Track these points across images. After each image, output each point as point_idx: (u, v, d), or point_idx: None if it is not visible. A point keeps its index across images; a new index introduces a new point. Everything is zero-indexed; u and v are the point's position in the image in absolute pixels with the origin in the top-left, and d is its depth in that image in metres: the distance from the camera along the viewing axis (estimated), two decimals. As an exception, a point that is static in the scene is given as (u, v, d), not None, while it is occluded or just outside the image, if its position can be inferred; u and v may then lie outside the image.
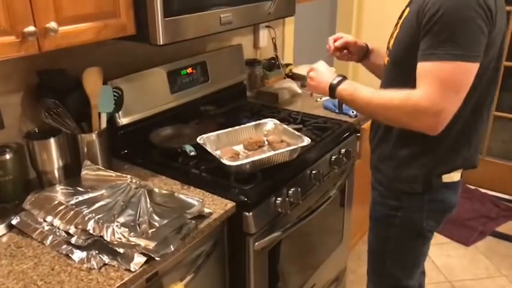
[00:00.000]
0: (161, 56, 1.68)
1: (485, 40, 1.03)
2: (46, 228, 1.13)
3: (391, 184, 1.32)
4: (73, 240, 1.08)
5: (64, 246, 1.07)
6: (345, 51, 1.55)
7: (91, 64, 1.35)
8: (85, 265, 1.02)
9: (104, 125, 1.38)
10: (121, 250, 1.04)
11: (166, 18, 1.22)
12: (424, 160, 1.22)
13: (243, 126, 1.58)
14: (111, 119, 1.45)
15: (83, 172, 1.31)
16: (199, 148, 1.42)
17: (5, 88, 1.29)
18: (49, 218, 1.14)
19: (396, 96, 1.10)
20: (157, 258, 1.02)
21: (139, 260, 1.02)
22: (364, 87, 1.20)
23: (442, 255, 2.43)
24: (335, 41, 1.56)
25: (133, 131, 1.56)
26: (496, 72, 1.18)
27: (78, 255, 1.05)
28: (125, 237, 1.05)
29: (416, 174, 1.24)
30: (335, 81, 1.27)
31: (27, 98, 1.34)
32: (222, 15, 1.40)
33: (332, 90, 1.27)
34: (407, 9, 1.18)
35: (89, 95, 1.32)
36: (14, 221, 1.16)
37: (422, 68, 1.06)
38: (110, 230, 1.07)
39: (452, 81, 1.03)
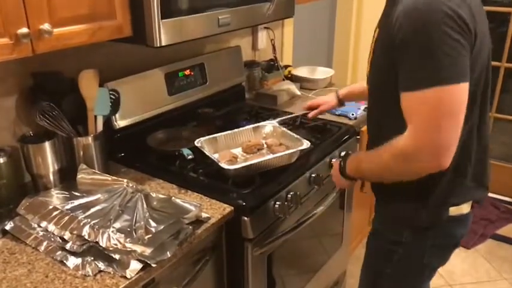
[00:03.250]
0: (158, 57, 1.66)
1: (467, 54, 0.90)
2: (40, 233, 1.11)
3: (392, 216, 1.19)
4: (68, 246, 1.05)
5: (59, 253, 1.05)
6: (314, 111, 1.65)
7: (87, 66, 1.33)
8: (80, 272, 1.00)
9: (100, 128, 1.35)
10: (117, 256, 1.02)
11: (164, 20, 1.20)
12: (430, 191, 1.08)
13: (241, 129, 1.56)
14: (107, 122, 1.43)
15: (79, 176, 1.29)
16: (197, 151, 1.40)
17: (0, 91, 1.27)
18: (44, 224, 1.12)
19: (383, 152, 0.99)
20: (153, 265, 1.00)
21: (135, 266, 1.00)
22: (369, 151, 1.11)
23: (443, 259, 2.41)
24: (309, 108, 1.67)
25: (130, 134, 1.54)
26: (487, 89, 1.06)
27: (72, 261, 1.03)
28: (120, 243, 1.03)
29: (420, 206, 1.10)
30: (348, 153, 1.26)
31: (21, 101, 1.32)
32: (220, 17, 1.38)
33: (343, 161, 1.19)
34: (377, 30, 1.07)
35: (85, 97, 1.30)
36: (8, 226, 1.14)
37: (406, 100, 0.92)
38: (105, 235, 1.05)
39: (442, 107, 0.88)
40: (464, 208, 1.11)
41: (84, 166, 1.31)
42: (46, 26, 1.00)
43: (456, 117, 0.89)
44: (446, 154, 0.91)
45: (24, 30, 0.96)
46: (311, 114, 1.64)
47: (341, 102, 1.62)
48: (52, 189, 1.26)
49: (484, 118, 1.09)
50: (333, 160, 1.54)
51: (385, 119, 1.08)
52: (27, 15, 0.98)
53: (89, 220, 1.09)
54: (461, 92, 0.89)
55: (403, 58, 0.91)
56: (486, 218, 2.72)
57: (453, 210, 1.09)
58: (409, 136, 0.92)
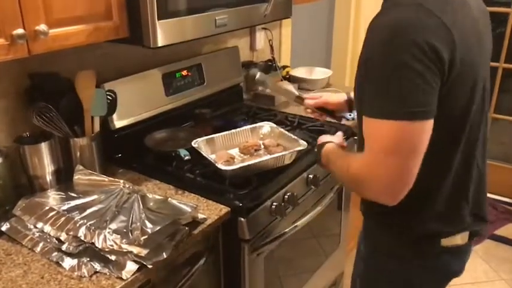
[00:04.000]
0: (156, 58, 1.66)
1: (434, 89, 0.81)
2: (36, 234, 1.11)
3: (376, 243, 1.09)
4: (64, 247, 1.05)
5: (55, 254, 1.05)
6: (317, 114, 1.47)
7: (84, 67, 1.33)
8: (76, 273, 1.00)
9: (97, 128, 1.35)
10: (113, 257, 1.02)
11: (160, 21, 1.20)
12: (417, 220, 1.00)
13: (238, 129, 1.56)
14: (104, 123, 1.43)
15: (75, 177, 1.29)
16: (194, 152, 1.40)
17: (-4, 91, 1.27)
18: (40, 225, 1.12)
19: (345, 166, 0.95)
20: (149, 266, 1.00)
21: (131, 267, 1.00)
22: (341, 152, 1.08)
23: (441, 259, 2.41)
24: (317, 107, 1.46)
25: (127, 134, 1.53)
26: (481, 115, 0.98)
27: (68, 262, 1.03)
28: (116, 244, 1.03)
29: (406, 235, 1.01)
30: (327, 143, 1.16)
31: (18, 102, 1.32)
32: (217, 18, 1.38)
33: (318, 150, 1.17)
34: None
35: (82, 98, 1.30)
36: (4, 227, 1.13)
37: (364, 123, 0.87)
38: (101, 236, 1.04)
39: (389, 143, 0.81)
40: (459, 239, 1.01)
41: (81, 167, 1.31)
42: (42, 27, 1.00)
43: (404, 158, 0.81)
44: (394, 192, 0.84)
45: (19, 31, 0.96)
46: (313, 103, 1.45)
47: (351, 104, 1.44)
48: (48, 190, 1.26)
49: (482, 150, 1.01)
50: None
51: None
52: (23, 15, 0.97)
53: (85, 221, 1.09)
54: (416, 130, 0.80)
55: (366, 82, 0.86)
56: (484, 218, 2.72)
57: (445, 241, 1.00)
58: (361, 160, 0.88)
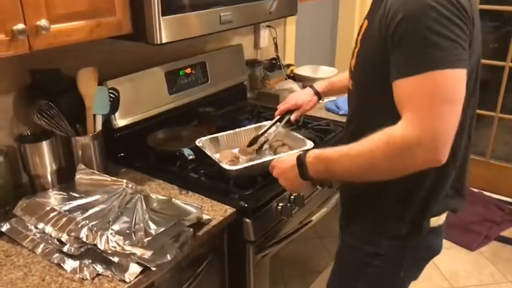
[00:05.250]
0: (159, 56, 1.63)
1: (467, 40, 0.84)
2: (37, 235, 1.08)
3: (370, 228, 1.09)
4: (65, 248, 1.02)
5: (56, 255, 1.02)
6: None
7: (86, 64, 1.31)
8: (77, 275, 0.97)
9: (99, 127, 1.33)
10: (115, 259, 0.99)
11: (164, 17, 1.17)
12: (410, 199, 1.00)
13: (243, 128, 1.54)
14: (107, 121, 1.40)
15: (77, 176, 1.26)
16: (198, 151, 1.37)
17: (-4, 89, 1.24)
18: (41, 225, 1.09)
19: (377, 143, 0.86)
20: (153, 268, 0.97)
21: (134, 270, 0.97)
22: (335, 148, 0.96)
23: (446, 260, 2.38)
24: (285, 111, 1.46)
25: (130, 133, 1.51)
26: (476, 83, 0.99)
27: (70, 264, 1.00)
28: (119, 245, 1.00)
29: (400, 217, 1.02)
30: (301, 153, 1.02)
31: (18, 99, 1.29)
32: (221, 14, 1.35)
33: (301, 162, 1.01)
34: (366, 22, 1.00)
35: (84, 96, 1.27)
36: (4, 228, 1.11)
37: (400, 88, 0.85)
38: (104, 238, 1.02)
39: (440, 92, 0.81)
40: (442, 218, 1.05)
41: (83, 166, 1.28)
42: (43, 22, 0.97)
43: (455, 105, 0.82)
44: (446, 145, 0.82)
45: (20, 26, 0.93)
46: (294, 117, 1.44)
47: (320, 98, 1.47)
48: (50, 190, 1.23)
49: (474, 115, 1.02)
50: (275, 158, 1.23)
51: (374, 116, 0.97)
52: (24, 11, 0.94)
53: (87, 222, 1.06)
54: (459, 78, 0.82)
55: (399, 45, 0.85)
56: (490, 219, 2.69)
57: (433, 221, 1.02)
58: (405, 125, 0.82)
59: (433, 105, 0.81)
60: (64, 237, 1.05)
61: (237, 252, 1.27)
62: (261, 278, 1.33)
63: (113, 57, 1.50)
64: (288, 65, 2.32)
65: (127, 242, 1.01)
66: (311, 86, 1.47)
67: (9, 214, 1.14)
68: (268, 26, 2.16)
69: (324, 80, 1.49)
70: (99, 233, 1.03)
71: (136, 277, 0.96)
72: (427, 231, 1.03)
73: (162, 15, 1.17)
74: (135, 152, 1.48)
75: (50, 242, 1.06)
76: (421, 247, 1.06)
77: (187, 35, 1.28)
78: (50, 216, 1.10)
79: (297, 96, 1.46)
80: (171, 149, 1.44)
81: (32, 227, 1.10)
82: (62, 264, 1.00)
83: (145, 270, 0.98)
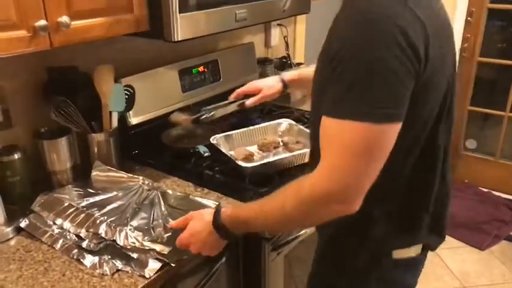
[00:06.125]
0: (173, 54, 1.64)
1: (408, 89, 0.73)
2: (56, 231, 1.08)
3: (331, 256, 0.99)
4: (84, 244, 1.03)
5: (75, 251, 1.03)
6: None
7: (101, 61, 1.31)
8: (97, 270, 0.97)
9: (115, 124, 1.33)
10: (135, 255, 1.00)
11: (181, 14, 1.18)
12: (370, 228, 0.90)
13: (257, 126, 1.54)
14: (121, 119, 1.41)
15: (93, 173, 1.27)
16: (212, 149, 1.38)
17: (14, 86, 1.25)
18: (59, 221, 1.10)
19: (286, 196, 0.81)
20: (172, 264, 0.98)
21: (154, 265, 0.98)
22: (250, 205, 0.89)
23: (457, 260, 2.37)
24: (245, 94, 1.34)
25: (144, 131, 1.51)
26: (447, 120, 0.87)
27: (89, 260, 1.00)
28: (138, 241, 1.01)
29: (358, 245, 0.93)
30: (214, 219, 0.92)
31: (36, 96, 1.29)
32: (237, 12, 1.35)
33: (218, 226, 0.91)
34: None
35: (100, 93, 1.28)
36: (23, 224, 1.11)
37: (323, 126, 0.77)
38: (122, 234, 1.02)
39: (359, 147, 0.72)
40: (413, 251, 0.93)
41: (99, 163, 1.29)
42: (64, 19, 0.97)
43: (375, 162, 0.74)
44: (357, 197, 0.76)
45: (42, 22, 0.94)
46: (250, 102, 1.31)
47: (286, 87, 1.34)
48: (67, 186, 1.24)
49: (444, 159, 0.91)
50: (171, 223, 1.05)
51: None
52: (45, 7, 0.95)
53: (106, 218, 1.07)
54: (385, 133, 0.73)
55: (333, 79, 0.74)
56: (500, 219, 2.68)
57: (398, 253, 0.92)
58: (317, 175, 0.76)
59: (348, 157, 0.73)
60: (83, 233, 1.05)
61: (252, 249, 1.27)
62: (275, 275, 1.33)
63: (127, 55, 1.51)
64: (298, 64, 2.32)
65: (146, 237, 1.02)
66: (279, 73, 1.34)
67: (27, 210, 1.15)
68: (279, 25, 2.16)
69: (295, 69, 1.38)
70: (118, 229, 1.03)
71: (155, 273, 0.96)
72: (391, 264, 0.92)
73: (180, 12, 1.17)
74: (149, 149, 1.49)
75: (68, 237, 1.06)
76: (385, 282, 0.94)
77: (204, 33, 1.28)
78: (68, 212, 1.11)
79: (259, 81, 1.35)
80: (186, 146, 1.45)
81: (51, 223, 1.10)
82: (81, 260, 1.00)
83: (164, 266, 0.98)
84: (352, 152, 0.73)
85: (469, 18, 2.76)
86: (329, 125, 0.75)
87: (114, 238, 1.02)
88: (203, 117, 1.27)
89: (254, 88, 1.32)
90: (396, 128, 0.74)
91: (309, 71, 1.27)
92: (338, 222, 0.81)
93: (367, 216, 0.84)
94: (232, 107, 1.31)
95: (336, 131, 0.74)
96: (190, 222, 0.96)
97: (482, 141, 3.10)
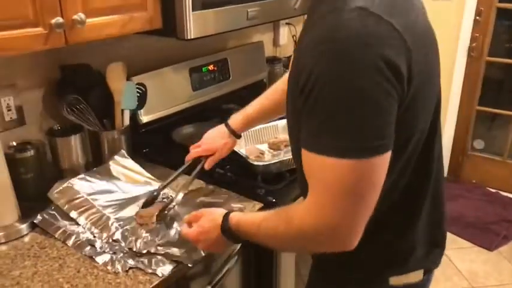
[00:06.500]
0: (183, 52, 1.64)
1: (392, 115, 0.65)
2: (69, 227, 1.08)
3: (326, 281, 0.94)
4: (97, 245, 1.03)
5: (87, 248, 1.03)
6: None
7: (113, 59, 1.31)
8: (109, 268, 0.97)
9: (126, 122, 1.34)
10: (150, 258, 0.99)
11: (195, 12, 1.18)
12: (364, 256, 0.83)
13: (267, 125, 1.53)
14: (132, 117, 1.41)
15: (111, 166, 1.26)
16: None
17: (27, 83, 1.25)
18: (74, 214, 1.09)
19: (279, 223, 0.77)
20: (190, 265, 0.98)
21: (168, 266, 0.97)
22: (253, 219, 0.85)
23: (465, 260, 2.36)
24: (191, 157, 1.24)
25: (154, 129, 1.51)
26: (435, 133, 0.82)
27: (102, 258, 1.00)
28: (153, 245, 1.01)
29: (352, 273, 0.88)
30: (224, 218, 0.90)
31: (48, 94, 1.30)
32: (248, 10, 1.36)
33: (224, 226, 0.89)
34: (292, 55, 0.81)
35: (113, 91, 1.28)
36: (36, 220, 1.11)
37: (305, 160, 0.69)
38: (138, 241, 1.02)
39: (343, 185, 0.65)
40: (412, 277, 0.87)
41: (118, 158, 1.28)
42: (80, 16, 0.98)
43: (363, 198, 0.67)
44: (350, 236, 0.70)
45: (58, 19, 0.94)
46: (207, 165, 1.21)
47: (238, 137, 1.23)
48: (85, 176, 1.21)
49: (438, 175, 0.86)
50: (183, 228, 1.00)
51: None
52: (61, 4, 0.95)
53: (121, 224, 1.07)
54: (375, 167, 0.66)
55: (306, 110, 0.67)
56: (508, 219, 2.66)
57: (395, 280, 0.86)
58: (307, 210, 0.70)
59: (332, 197, 0.66)
60: (97, 233, 1.05)
61: (264, 248, 1.26)
62: (286, 274, 1.33)
63: (138, 53, 1.51)
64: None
65: (160, 241, 1.02)
66: (226, 125, 1.22)
67: (40, 206, 1.14)
68: (288, 24, 2.16)
69: (238, 113, 1.22)
70: (133, 237, 1.03)
71: (169, 271, 0.96)
72: None
73: (193, 10, 1.17)
74: (160, 147, 1.49)
75: (81, 234, 1.06)
76: None
77: (216, 31, 1.28)
78: (84, 208, 1.11)
79: (211, 140, 1.22)
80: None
81: (64, 219, 1.10)
82: (93, 257, 1.00)
83: (178, 264, 0.98)
84: (336, 190, 0.66)
85: (477, 18, 2.74)
86: (309, 160, 0.68)
87: (130, 246, 1.01)
88: (171, 205, 1.14)
89: (209, 149, 1.21)
90: (383, 159, 0.66)
91: (251, 110, 1.21)
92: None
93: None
94: (192, 178, 1.20)
95: (317, 167, 0.67)
96: (201, 219, 0.95)
97: (490, 141, 3.08)
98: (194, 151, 1.22)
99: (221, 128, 1.22)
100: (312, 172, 0.69)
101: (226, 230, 0.88)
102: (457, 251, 2.43)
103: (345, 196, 0.66)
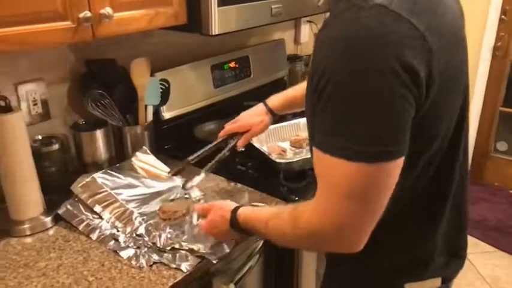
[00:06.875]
0: (204, 49, 1.64)
1: (407, 120, 0.63)
2: (92, 220, 1.09)
3: (335, 281, 0.94)
4: (121, 239, 1.03)
5: (111, 242, 1.03)
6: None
7: (136, 55, 1.31)
8: (133, 262, 0.97)
9: (150, 118, 1.34)
10: (174, 253, 0.99)
11: (220, 8, 1.17)
12: (380, 259, 0.83)
13: (288, 122, 1.53)
14: (155, 113, 1.41)
15: (134, 161, 1.26)
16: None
17: (53, 78, 1.27)
18: (98, 208, 1.10)
19: (287, 220, 0.77)
20: (214, 262, 0.97)
21: (192, 261, 0.97)
22: (262, 213, 0.86)
23: (487, 265, 2.31)
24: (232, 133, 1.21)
25: (176, 125, 1.52)
26: (461, 135, 0.79)
27: (126, 252, 1.00)
28: (177, 242, 1.00)
29: (368, 277, 0.86)
30: (233, 212, 0.91)
31: (73, 88, 1.31)
32: (273, 6, 1.34)
33: (232, 221, 0.90)
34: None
35: (137, 86, 1.29)
36: (60, 211, 1.11)
37: (315, 157, 0.69)
38: (162, 237, 1.02)
39: (349, 188, 0.64)
40: (428, 284, 0.84)
41: (140, 154, 1.28)
42: (107, 10, 0.98)
43: (369, 203, 0.66)
44: (355, 238, 0.69)
45: (87, 13, 0.94)
46: (241, 143, 1.18)
47: (275, 116, 1.20)
48: (107, 170, 1.21)
49: (462, 181, 0.83)
50: (196, 217, 1.05)
51: None
52: (90, -2, 0.96)
53: (145, 218, 1.07)
54: (387, 172, 0.64)
55: (319, 109, 0.66)
56: (532, 223, 2.60)
57: (411, 286, 0.84)
58: (313, 209, 0.70)
59: (339, 198, 0.65)
60: (121, 228, 1.05)
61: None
62: (308, 272, 1.32)
63: (161, 49, 1.51)
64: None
65: (185, 237, 1.01)
66: (264, 103, 1.20)
67: (64, 200, 1.14)
68: (309, 21, 2.14)
69: (280, 93, 1.20)
70: (158, 233, 1.02)
71: (193, 267, 0.96)
72: None
73: (218, 6, 1.17)
74: (182, 144, 1.49)
75: (104, 228, 1.06)
76: None
77: (240, 27, 1.27)
78: (108, 202, 1.11)
79: (247, 117, 1.20)
80: (220, 141, 1.44)
81: (88, 213, 1.10)
82: (118, 252, 1.01)
83: (202, 260, 0.97)
84: (344, 192, 0.65)
85: (503, 17, 2.69)
86: (319, 158, 0.66)
87: (154, 241, 1.01)
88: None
89: (245, 126, 1.19)
90: (396, 165, 0.64)
91: (293, 92, 1.18)
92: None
93: (374, 245, 0.74)
94: (223, 154, 1.17)
95: (326, 167, 0.66)
96: (211, 213, 0.97)
97: (509, 142, 3.02)
98: (229, 127, 1.20)
99: (259, 106, 1.20)
100: (320, 171, 0.68)
101: (235, 225, 0.90)
102: (479, 255, 2.38)
103: (351, 198, 0.65)
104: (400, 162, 0.64)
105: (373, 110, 0.60)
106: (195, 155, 1.15)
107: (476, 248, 2.39)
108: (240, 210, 0.90)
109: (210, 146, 1.18)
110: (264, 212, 0.86)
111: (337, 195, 0.65)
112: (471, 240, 2.57)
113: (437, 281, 0.85)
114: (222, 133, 1.21)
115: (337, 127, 0.63)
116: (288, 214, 0.77)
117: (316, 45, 0.67)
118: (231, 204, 0.95)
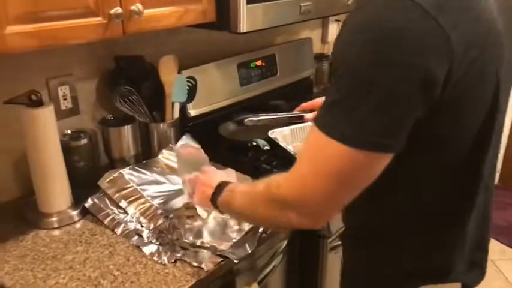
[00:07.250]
0: (231, 47, 1.63)
1: (409, 118, 0.63)
2: (118, 215, 1.10)
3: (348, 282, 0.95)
4: (144, 234, 1.04)
5: (135, 238, 1.04)
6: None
7: (164, 52, 1.32)
8: (155, 258, 0.97)
9: (176, 115, 1.34)
10: (195, 249, 0.99)
11: (249, 5, 1.17)
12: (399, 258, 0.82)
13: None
14: (181, 110, 1.42)
15: (160, 158, 1.27)
16: (269, 143, 1.36)
17: (82, 73, 1.28)
18: (123, 203, 1.11)
19: (259, 184, 0.79)
20: (235, 261, 0.97)
21: (213, 259, 0.97)
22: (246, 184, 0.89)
23: (514, 270, 2.24)
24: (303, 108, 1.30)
25: (202, 123, 1.52)
26: (491, 134, 0.76)
27: (149, 248, 1.01)
28: (200, 240, 1.00)
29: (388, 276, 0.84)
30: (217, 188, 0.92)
31: (102, 84, 1.33)
32: (302, 4, 1.33)
33: (214, 198, 0.91)
34: None
35: (164, 83, 1.29)
36: (87, 204, 1.13)
37: (311, 130, 0.68)
38: (186, 234, 1.02)
39: (337, 170, 0.64)
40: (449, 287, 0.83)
41: (165, 151, 1.29)
42: (138, 7, 0.99)
43: (349, 189, 0.67)
44: (317, 216, 0.71)
45: (117, 10, 0.95)
46: (309, 117, 1.26)
47: None
48: (135, 167, 1.22)
49: (489, 179, 0.81)
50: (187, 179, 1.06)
51: None
52: (121, -5, 0.97)
53: (169, 215, 1.07)
54: (372, 164, 0.64)
55: (330, 84, 0.67)
56: None
57: None
58: (287, 178, 0.70)
59: (318, 175, 0.65)
60: (145, 223, 1.06)
61: (309, 247, 1.24)
62: (332, 273, 1.30)
63: (188, 46, 1.52)
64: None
65: (207, 235, 1.02)
66: None
67: (91, 195, 1.16)
68: (337, 20, 2.12)
69: None
70: (182, 230, 1.03)
71: (214, 266, 0.95)
72: None
73: (247, 3, 1.16)
74: (207, 141, 1.48)
75: (129, 223, 1.07)
76: None
77: (269, 24, 1.26)
78: (133, 197, 1.12)
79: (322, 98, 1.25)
80: (245, 140, 1.44)
81: (113, 207, 1.11)
82: (141, 247, 1.01)
83: (224, 259, 0.97)
84: (326, 172, 0.65)
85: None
86: (315, 134, 0.66)
87: (177, 238, 1.01)
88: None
89: (316, 103, 1.28)
90: (385, 159, 0.64)
91: None
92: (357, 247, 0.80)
93: (395, 247, 0.76)
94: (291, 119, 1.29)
95: (314, 141, 0.67)
96: (201, 176, 0.99)
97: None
98: (306, 104, 1.27)
99: None
100: (308, 144, 0.69)
101: (215, 202, 0.90)
102: (507, 262, 2.31)
103: (331, 179, 0.65)
104: (388, 158, 0.65)
105: (376, 101, 0.60)
106: (256, 117, 1.26)
107: (504, 255, 2.32)
108: (224, 191, 0.90)
109: (282, 115, 1.29)
110: (242, 193, 0.87)
111: (317, 171, 0.66)
112: (499, 246, 2.50)
113: (458, 285, 0.84)
114: (298, 108, 1.30)
115: (338, 107, 0.63)
116: (263, 180, 0.78)
117: (338, 35, 0.68)
118: (219, 178, 0.94)
